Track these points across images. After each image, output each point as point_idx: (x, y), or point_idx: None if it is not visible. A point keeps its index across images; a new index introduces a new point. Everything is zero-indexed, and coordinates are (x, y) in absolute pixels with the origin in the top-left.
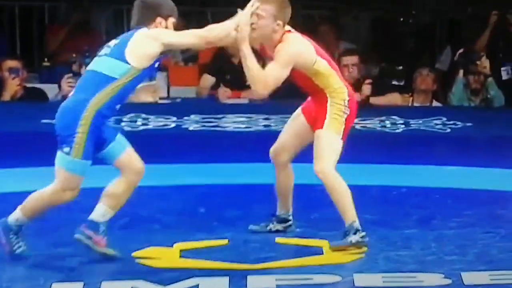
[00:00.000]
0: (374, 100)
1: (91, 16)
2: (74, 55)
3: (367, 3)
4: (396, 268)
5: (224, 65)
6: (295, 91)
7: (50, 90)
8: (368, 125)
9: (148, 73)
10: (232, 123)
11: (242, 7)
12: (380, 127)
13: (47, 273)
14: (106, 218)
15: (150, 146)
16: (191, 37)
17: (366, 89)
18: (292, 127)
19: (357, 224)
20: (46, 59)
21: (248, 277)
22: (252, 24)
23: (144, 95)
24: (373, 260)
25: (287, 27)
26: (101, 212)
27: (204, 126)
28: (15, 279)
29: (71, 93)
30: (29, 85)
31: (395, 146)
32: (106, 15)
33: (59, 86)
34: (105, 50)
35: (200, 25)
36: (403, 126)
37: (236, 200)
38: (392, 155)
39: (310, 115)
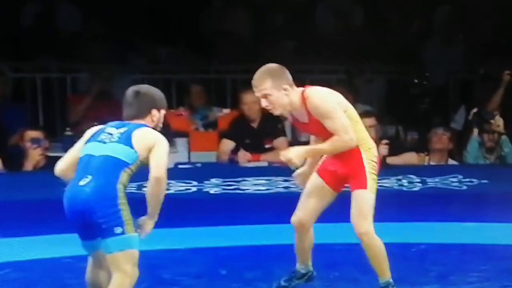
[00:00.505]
0: (391, 160)
1: (111, 85)
2: (95, 124)
3: (381, 66)
4: None
5: (243, 130)
6: None
7: None
8: (385, 184)
9: None
10: (252, 185)
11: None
12: (397, 185)
13: None
14: None
15: (172, 210)
16: (162, 171)
17: (383, 149)
18: (312, 193)
19: (392, 281)
20: (68, 129)
21: None
22: (267, 106)
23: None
24: None
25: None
26: None
27: (224, 189)
28: None
29: (85, 179)
30: (51, 154)
31: (413, 204)
32: (126, 85)
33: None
34: (106, 137)
35: (218, 92)
36: (420, 184)
37: (257, 261)
38: (410, 213)
39: (330, 175)
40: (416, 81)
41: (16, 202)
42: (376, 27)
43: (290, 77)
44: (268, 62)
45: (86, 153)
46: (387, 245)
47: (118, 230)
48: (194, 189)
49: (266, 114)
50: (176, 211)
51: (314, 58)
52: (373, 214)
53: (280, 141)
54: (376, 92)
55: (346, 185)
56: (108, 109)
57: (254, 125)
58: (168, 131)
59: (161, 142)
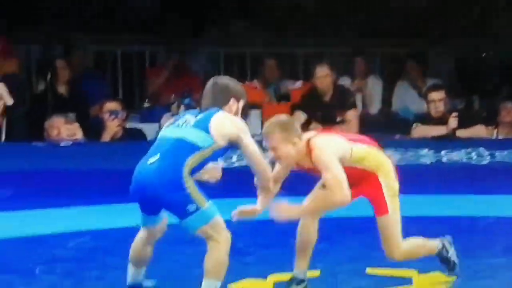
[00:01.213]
0: (459, 133)
1: (188, 59)
2: (173, 96)
3: (451, 39)
4: None
5: (315, 103)
6: None
7: (150, 129)
8: (455, 158)
9: (222, 153)
10: None
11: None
12: (466, 159)
13: None
14: None
15: (245, 182)
16: (263, 162)
17: (452, 122)
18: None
19: (440, 244)
20: (146, 101)
21: None
22: (275, 157)
23: (208, 175)
24: None
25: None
26: (208, 286)
27: None
28: None
29: (153, 158)
30: (128, 125)
31: (481, 177)
32: (202, 58)
33: (159, 125)
34: (184, 121)
35: (291, 66)
36: (488, 157)
37: (328, 233)
38: (478, 186)
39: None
40: (486, 54)
41: (94, 171)
42: (446, 0)
43: (299, 129)
44: (340, 35)
45: (162, 135)
46: (455, 218)
47: (192, 207)
48: (267, 160)
49: (337, 87)
50: (249, 183)
51: (384, 32)
52: (399, 232)
53: (351, 113)
54: (446, 65)
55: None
56: (184, 81)
57: (326, 98)
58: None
59: (244, 134)
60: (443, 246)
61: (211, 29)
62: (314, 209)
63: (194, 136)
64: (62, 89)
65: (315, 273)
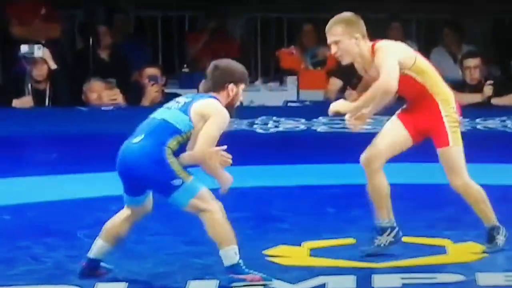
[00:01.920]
0: (495, 101)
1: (227, 23)
2: (211, 61)
3: (488, 5)
4: None
5: (350, 69)
6: None
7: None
8: (490, 125)
9: None
10: None
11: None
12: (501, 126)
13: (185, 270)
14: (237, 255)
15: (281, 148)
16: (201, 146)
17: (488, 90)
18: (390, 136)
19: (498, 224)
20: (185, 66)
21: (374, 275)
22: (335, 53)
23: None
24: (495, 259)
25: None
26: (228, 255)
27: (332, 127)
28: (154, 275)
29: (138, 137)
30: (168, 90)
31: None
32: (240, 23)
33: (198, 90)
34: (174, 104)
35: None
36: None
37: (364, 200)
38: None
39: (410, 123)
40: None
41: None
42: None
43: (364, 28)
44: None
45: (151, 116)
46: (490, 187)
47: (177, 182)
48: (302, 126)
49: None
50: (285, 149)
51: None
52: (464, 165)
53: None
54: (482, 32)
55: (425, 137)
56: (223, 46)
57: None
58: (278, 69)
59: (218, 115)
60: (500, 227)
61: None
62: (366, 101)
63: (175, 118)
64: (103, 54)
65: (351, 241)
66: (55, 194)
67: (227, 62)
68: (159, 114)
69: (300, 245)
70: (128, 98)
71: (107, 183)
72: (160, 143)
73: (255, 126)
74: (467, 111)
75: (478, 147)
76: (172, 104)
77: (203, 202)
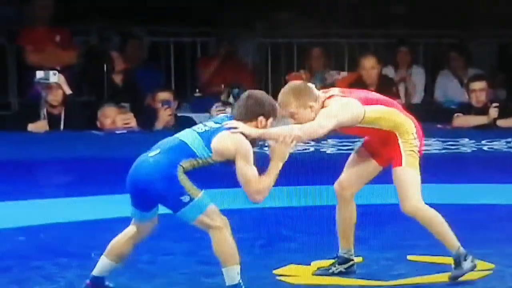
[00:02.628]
0: (500, 123)
1: (237, 48)
2: (222, 85)
3: (493, 30)
4: None
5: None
6: None
7: (200, 118)
8: (495, 146)
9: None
10: None
11: None
12: (506, 148)
13: None
14: (238, 274)
15: (291, 169)
16: (249, 185)
17: (493, 112)
18: (358, 164)
19: (462, 250)
20: (197, 90)
21: None
22: (295, 123)
23: None
24: (500, 276)
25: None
26: (230, 274)
27: (339, 149)
28: None
29: (153, 152)
30: (180, 114)
31: None
32: (251, 48)
33: (210, 114)
34: (200, 127)
35: (336, 56)
36: None
37: (371, 219)
38: None
39: (373, 151)
40: None
41: None
42: None
43: (314, 92)
44: (384, 26)
45: (176, 135)
46: (495, 207)
47: (185, 199)
48: (311, 149)
49: (382, 78)
50: (295, 170)
51: (426, 22)
52: (417, 188)
53: None
54: (488, 56)
55: (390, 162)
56: (234, 70)
57: (372, 89)
58: None
59: (240, 154)
60: (466, 253)
61: (260, 20)
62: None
63: (195, 143)
64: (117, 79)
65: (358, 259)
66: (68, 215)
67: (261, 94)
68: (183, 135)
69: (309, 264)
70: (141, 122)
71: (119, 205)
72: (174, 161)
73: (265, 148)
74: (473, 133)
75: (484, 167)
76: (199, 127)
77: (210, 219)
